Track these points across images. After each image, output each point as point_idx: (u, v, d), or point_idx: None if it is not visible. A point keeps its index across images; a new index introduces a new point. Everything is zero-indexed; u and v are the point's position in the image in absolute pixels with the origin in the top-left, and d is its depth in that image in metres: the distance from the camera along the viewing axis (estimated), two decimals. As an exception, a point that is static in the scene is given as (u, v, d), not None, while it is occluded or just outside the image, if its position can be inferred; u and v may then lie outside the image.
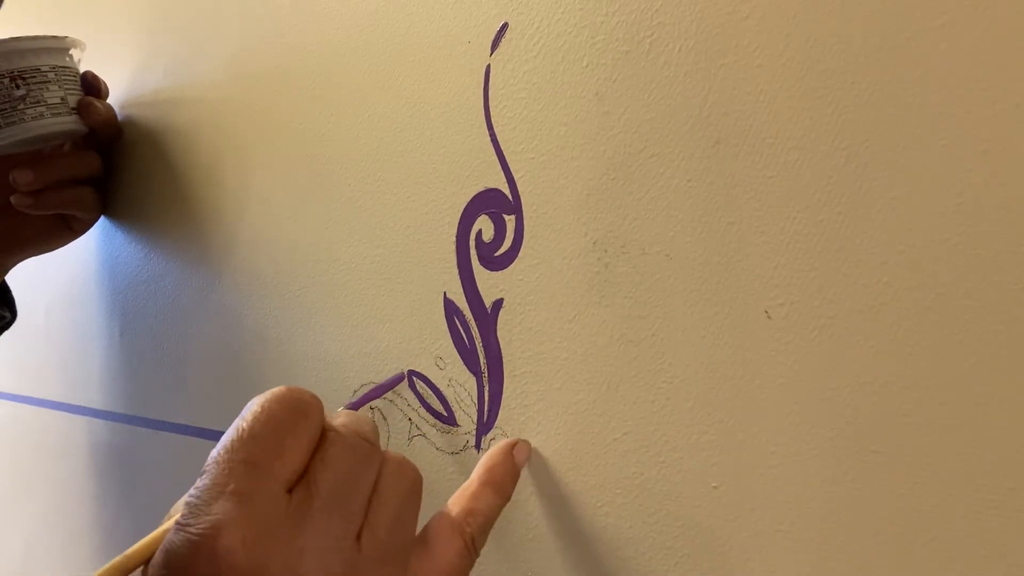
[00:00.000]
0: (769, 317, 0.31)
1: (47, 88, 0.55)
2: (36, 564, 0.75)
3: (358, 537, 0.28)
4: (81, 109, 0.57)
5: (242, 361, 0.53)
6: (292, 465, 0.27)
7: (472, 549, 0.32)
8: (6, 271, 0.64)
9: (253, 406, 0.28)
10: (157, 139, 0.59)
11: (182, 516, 0.26)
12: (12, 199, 0.58)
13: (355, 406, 0.38)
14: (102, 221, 0.64)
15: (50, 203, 0.58)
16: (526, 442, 0.38)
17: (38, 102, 0.55)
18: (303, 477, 0.28)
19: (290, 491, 0.27)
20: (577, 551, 0.37)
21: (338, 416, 0.31)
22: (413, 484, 0.31)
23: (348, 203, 0.46)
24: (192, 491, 0.26)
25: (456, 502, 0.33)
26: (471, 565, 0.32)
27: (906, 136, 0.28)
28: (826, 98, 0.29)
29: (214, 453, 0.27)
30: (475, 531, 0.32)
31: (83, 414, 0.68)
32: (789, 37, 0.30)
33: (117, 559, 0.27)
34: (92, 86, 0.58)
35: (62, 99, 0.56)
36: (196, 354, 0.56)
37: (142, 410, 0.62)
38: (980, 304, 0.26)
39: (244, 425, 0.27)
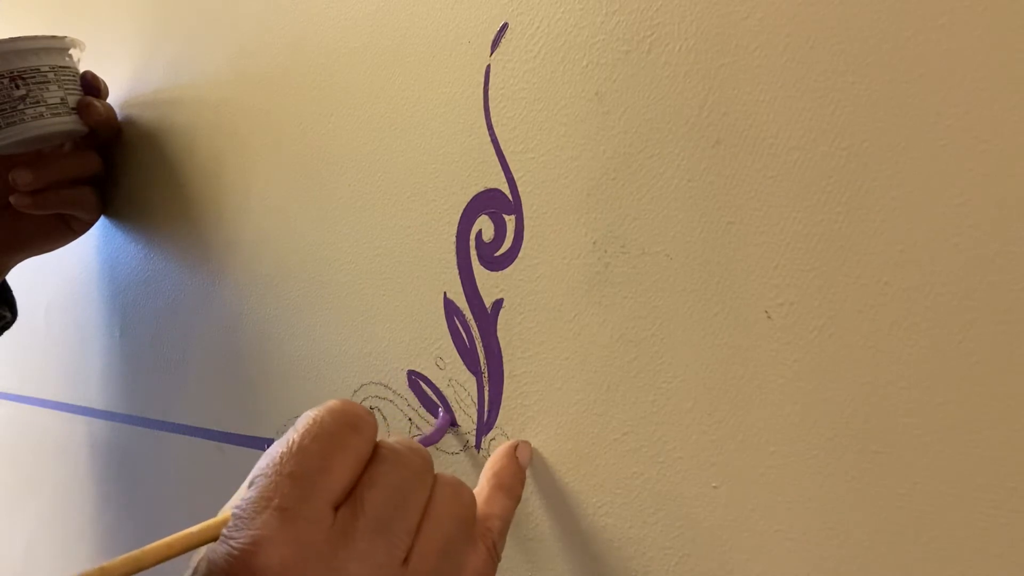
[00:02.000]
0: (769, 317, 0.31)
1: (47, 88, 0.55)
2: (36, 564, 0.75)
3: (405, 561, 0.27)
4: (81, 109, 0.57)
5: (242, 361, 0.53)
6: (340, 482, 0.27)
7: (495, 554, 0.31)
8: (6, 271, 0.64)
9: (305, 418, 0.28)
10: (157, 139, 0.59)
11: (228, 527, 0.25)
12: (11, 199, 0.58)
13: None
14: (102, 221, 0.64)
15: (50, 203, 0.58)
16: (527, 443, 0.38)
17: (38, 102, 0.55)
18: (351, 494, 0.27)
19: (337, 508, 0.26)
20: (577, 551, 0.37)
21: (392, 437, 0.30)
22: (468, 509, 0.30)
23: (348, 203, 0.46)
24: (240, 502, 0.26)
25: None
26: (495, 570, 0.31)
27: (906, 136, 0.28)
28: (826, 98, 0.29)
29: (263, 464, 0.26)
30: (495, 536, 0.32)
31: (83, 414, 0.68)
32: (789, 37, 0.30)
33: (134, 553, 0.26)
34: (92, 86, 0.58)
35: (62, 99, 0.56)
36: (196, 354, 0.56)
37: (142, 410, 0.62)
38: (980, 304, 0.26)
39: (295, 437, 0.27)
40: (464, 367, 0.40)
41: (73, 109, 0.57)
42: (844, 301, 0.29)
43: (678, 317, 0.33)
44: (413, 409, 0.43)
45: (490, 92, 0.39)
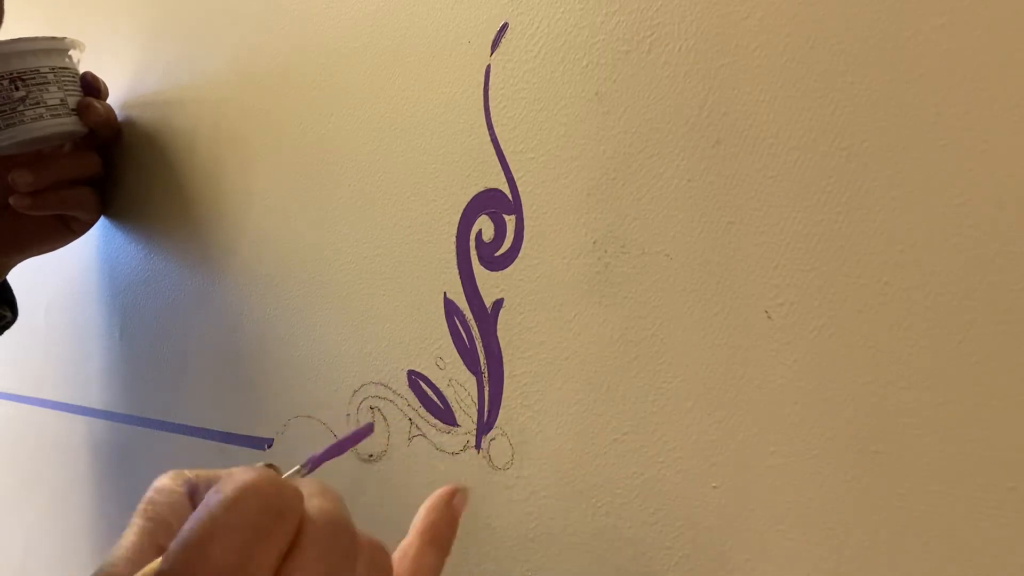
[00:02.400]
0: (769, 317, 0.31)
1: (47, 89, 0.55)
2: (36, 564, 0.75)
3: None
4: (81, 110, 0.57)
5: (242, 361, 0.53)
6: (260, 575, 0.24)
7: None
8: (6, 271, 0.64)
9: (225, 496, 0.24)
10: (157, 140, 0.59)
11: None
12: (11, 200, 0.58)
13: (317, 461, 0.35)
14: (102, 221, 0.64)
15: (49, 204, 0.58)
16: (465, 491, 0.35)
17: (38, 103, 0.55)
18: None
19: None
20: (577, 551, 0.37)
21: (312, 493, 0.28)
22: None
23: (348, 203, 0.46)
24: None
25: (399, 565, 0.31)
26: None
27: (906, 136, 0.28)
28: (826, 98, 0.29)
29: (177, 546, 0.24)
30: None
31: (83, 414, 0.68)
32: (789, 37, 0.30)
33: None
34: (92, 87, 0.58)
35: (62, 100, 0.56)
36: (196, 354, 0.56)
37: (142, 410, 0.62)
38: (980, 304, 0.26)
39: (209, 525, 0.24)
40: (464, 367, 0.40)
41: (73, 110, 0.57)
42: (844, 301, 0.29)
43: (678, 317, 0.33)
44: (413, 409, 0.43)
45: (490, 92, 0.39)
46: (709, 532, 0.33)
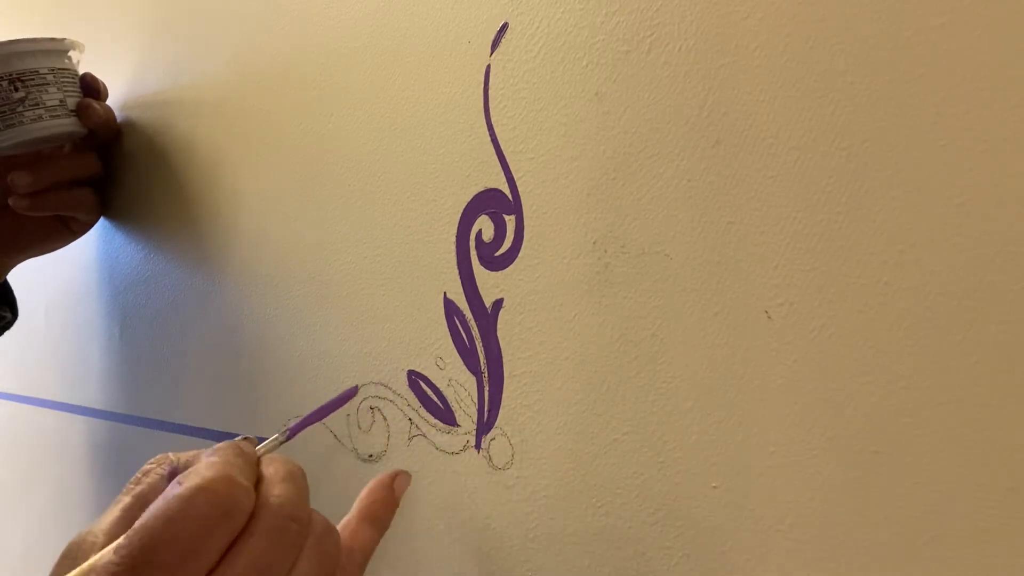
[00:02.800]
0: (769, 317, 0.31)
1: (46, 90, 0.55)
2: (35, 564, 0.75)
3: None
4: (80, 111, 0.57)
5: (242, 361, 0.53)
6: (204, 568, 0.26)
7: None
8: (6, 272, 0.64)
9: (180, 493, 0.27)
10: (157, 140, 0.59)
11: None
12: (10, 201, 0.58)
13: (295, 429, 0.36)
14: (102, 221, 0.64)
15: (48, 205, 0.58)
16: (407, 475, 0.38)
17: (37, 104, 0.55)
18: (215, 571, 0.27)
19: None
20: (577, 551, 0.37)
21: (273, 480, 0.30)
22: (333, 561, 0.30)
23: (348, 203, 0.46)
24: (106, 563, 0.26)
25: None
26: None
27: (906, 136, 0.28)
28: (826, 98, 0.29)
29: (136, 529, 0.26)
30: (353, 570, 0.32)
31: (82, 414, 0.68)
32: (789, 37, 0.30)
33: None
34: (91, 88, 0.58)
35: (61, 101, 0.56)
36: (196, 354, 0.56)
37: (142, 410, 0.62)
38: (980, 304, 0.26)
39: (163, 515, 0.26)
40: (464, 367, 0.40)
41: (72, 111, 0.57)
42: (844, 301, 0.29)
43: (678, 317, 0.33)
44: (413, 409, 0.43)
45: (490, 92, 0.39)
46: (709, 532, 0.33)
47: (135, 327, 0.62)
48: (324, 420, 0.47)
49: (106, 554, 0.26)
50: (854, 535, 0.29)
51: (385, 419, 0.44)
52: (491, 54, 0.39)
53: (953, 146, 0.27)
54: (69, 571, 0.27)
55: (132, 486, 0.31)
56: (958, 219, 0.27)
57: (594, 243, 0.36)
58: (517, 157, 0.38)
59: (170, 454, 0.32)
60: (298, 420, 0.38)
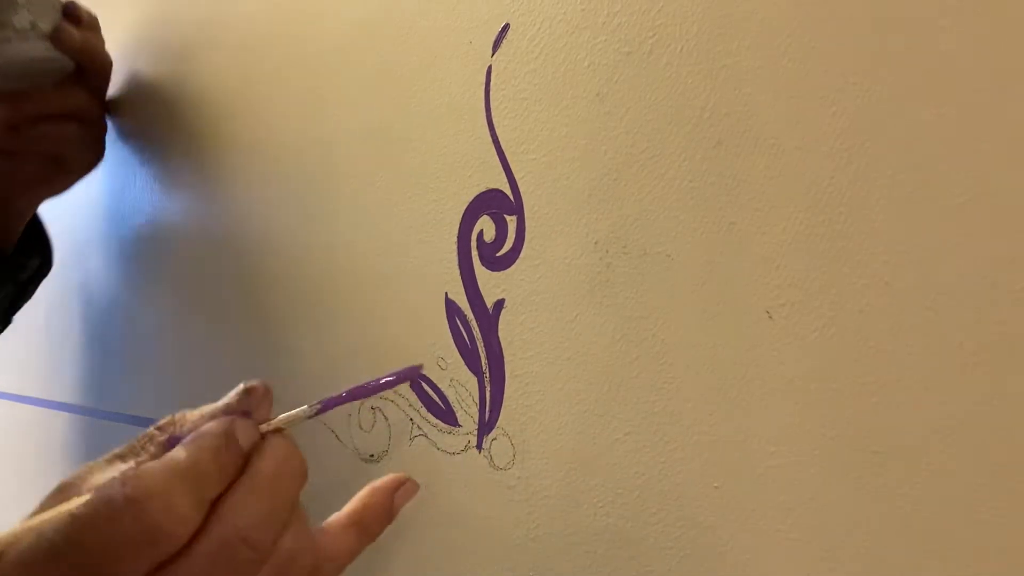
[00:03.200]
0: (770, 317, 0.31)
1: (15, 11, 0.50)
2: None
3: None
4: (55, 36, 0.52)
5: (244, 362, 0.53)
6: None
7: None
8: (21, 218, 0.60)
9: (109, 500, 0.24)
10: (156, 140, 0.59)
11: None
12: None
13: (329, 404, 0.31)
14: (102, 222, 0.64)
15: (26, 140, 0.55)
16: (414, 484, 0.34)
17: (4, 26, 0.50)
18: None
19: None
20: (578, 551, 0.37)
21: (252, 479, 0.26)
22: None
23: (349, 204, 0.46)
24: (44, 532, 0.24)
25: (318, 537, 0.30)
26: None
27: (907, 137, 0.28)
28: (827, 99, 0.29)
29: (71, 525, 0.24)
30: None
31: (82, 414, 0.68)
32: (790, 38, 0.30)
33: None
34: (72, 15, 0.54)
35: (32, 24, 0.51)
36: (197, 355, 0.56)
37: (141, 410, 0.62)
38: (980, 304, 0.26)
39: (86, 524, 0.24)
40: (465, 367, 0.40)
41: (46, 36, 0.52)
42: (845, 301, 0.29)
43: (680, 317, 0.33)
44: (415, 409, 0.43)
45: (491, 93, 0.39)
46: (710, 532, 0.33)
47: (135, 327, 0.62)
48: (326, 421, 0.47)
49: (47, 525, 0.25)
50: (854, 535, 0.29)
51: (386, 419, 0.44)
52: (492, 55, 0.39)
53: (954, 146, 0.27)
54: (42, 510, 0.26)
55: (132, 451, 0.29)
56: (959, 219, 0.27)
57: (595, 243, 0.36)
58: (518, 157, 0.38)
59: (178, 415, 0.30)
60: (336, 395, 0.32)
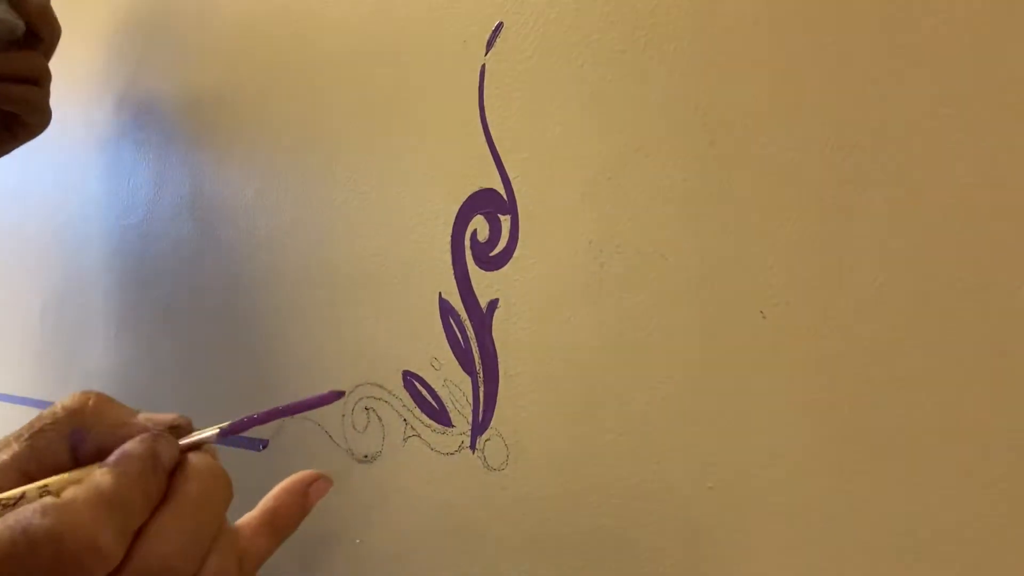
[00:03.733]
0: (764, 317, 0.31)
1: None
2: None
3: None
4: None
5: (238, 362, 0.53)
6: None
7: None
8: None
9: (29, 531, 0.23)
10: (154, 137, 0.59)
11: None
12: None
13: (236, 428, 0.31)
14: (101, 222, 0.64)
15: None
16: (327, 480, 0.33)
17: None
18: None
19: None
20: (572, 552, 0.37)
21: (174, 502, 0.26)
22: None
23: (343, 203, 0.46)
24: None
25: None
26: None
27: (900, 137, 0.28)
28: (822, 98, 0.29)
29: (33, 521, 0.23)
30: None
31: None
32: (785, 37, 0.30)
33: None
34: None
35: None
36: (192, 355, 0.56)
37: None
38: (975, 303, 0.26)
39: (4, 549, 0.23)
40: (459, 367, 0.40)
41: None
42: (838, 301, 0.29)
43: (673, 317, 0.33)
44: (408, 410, 0.43)
45: (485, 92, 0.39)
46: (705, 532, 0.33)
47: (131, 328, 0.62)
48: (319, 422, 0.47)
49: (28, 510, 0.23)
50: (850, 535, 0.29)
51: (380, 420, 0.44)
52: (486, 54, 0.39)
53: (948, 147, 0.27)
54: None
55: (27, 433, 0.27)
56: (952, 219, 0.27)
57: (589, 243, 0.35)
58: (512, 157, 0.38)
59: (91, 402, 0.28)
60: (251, 416, 0.32)
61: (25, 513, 0.23)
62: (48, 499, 0.24)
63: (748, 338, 0.31)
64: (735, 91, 0.31)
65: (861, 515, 0.29)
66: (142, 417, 0.29)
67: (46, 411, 0.27)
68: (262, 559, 0.30)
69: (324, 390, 0.48)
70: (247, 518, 0.30)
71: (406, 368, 0.43)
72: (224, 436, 0.29)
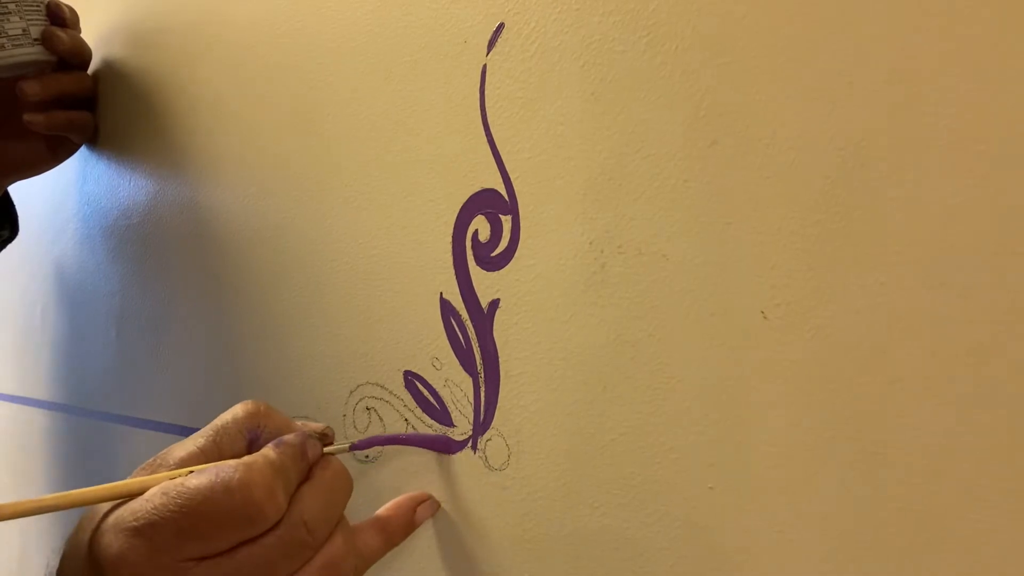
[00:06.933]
0: (765, 317, 0.31)
1: (8, 19, 0.54)
2: (32, 565, 0.75)
3: None
4: (45, 39, 0.56)
5: (239, 362, 0.53)
6: (212, 551, 0.30)
7: None
8: None
9: (225, 483, 0.30)
10: (154, 135, 0.59)
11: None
12: (25, 117, 0.58)
13: (363, 445, 0.39)
14: (101, 222, 0.64)
15: (57, 123, 0.59)
16: (434, 502, 0.40)
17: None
18: (221, 555, 0.30)
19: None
20: (574, 552, 0.37)
21: (317, 483, 0.33)
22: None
23: (344, 203, 0.46)
24: (150, 497, 0.30)
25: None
26: None
27: (902, 136, 0.28)
28: (823, 98, 0.29)
29: (180, 496, 0.30)
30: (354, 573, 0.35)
31: (80, 414, 0.68)
32: (786, 37, 0.30)
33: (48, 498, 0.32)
34: (56, 16, 0.58)
35: (24, 30, 0.55)
36: (192, 355, 0.56)
37: (138, 411, 0.62)
38: (979, 304, 0.26)
39: (200, 495, 0.30)
40: (460, 367, 0.40)
41: (37, 40, 0.56)
42: (841, 301, 0.29)
43: (675, 317, 0.33)
44: (409, 410, 0.43)
45: (486, 92, 0.39)
46: (706, 533, 0.33)
47: (131, 327, 0.62)
48: (320, 421, 0.47)
49: (155, 493, 0.30)
50: (852, 536, 0.29)
51: (381, 420, 0.44)
52: (487, 54, 0.39)
53: (950, 146, 0.27)
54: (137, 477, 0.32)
55: (211, 430, 0.35)
56: (954, 218, 0.27)
57: (590, 243, 0.35)
58: (513, 157, 0.38)
59: (260, 412, 0.35)
60: (375, 437, 0.41)
61: (224, 467, 0.31)
62: (238, 462, 0.31)
63: (749, 339, 0.31)
64: (737, 92, 0.31)
65: (865, 516, 0.29)
66: (299, 423, 0.36)
67: (227, 413, 0.36)
68: (374, 557, 0.36)
69: (325, 389, 0.48)
70: (362, 523, 0.37)
71: (407, 368, 0.43)
72: (352, 449, 0.38)
